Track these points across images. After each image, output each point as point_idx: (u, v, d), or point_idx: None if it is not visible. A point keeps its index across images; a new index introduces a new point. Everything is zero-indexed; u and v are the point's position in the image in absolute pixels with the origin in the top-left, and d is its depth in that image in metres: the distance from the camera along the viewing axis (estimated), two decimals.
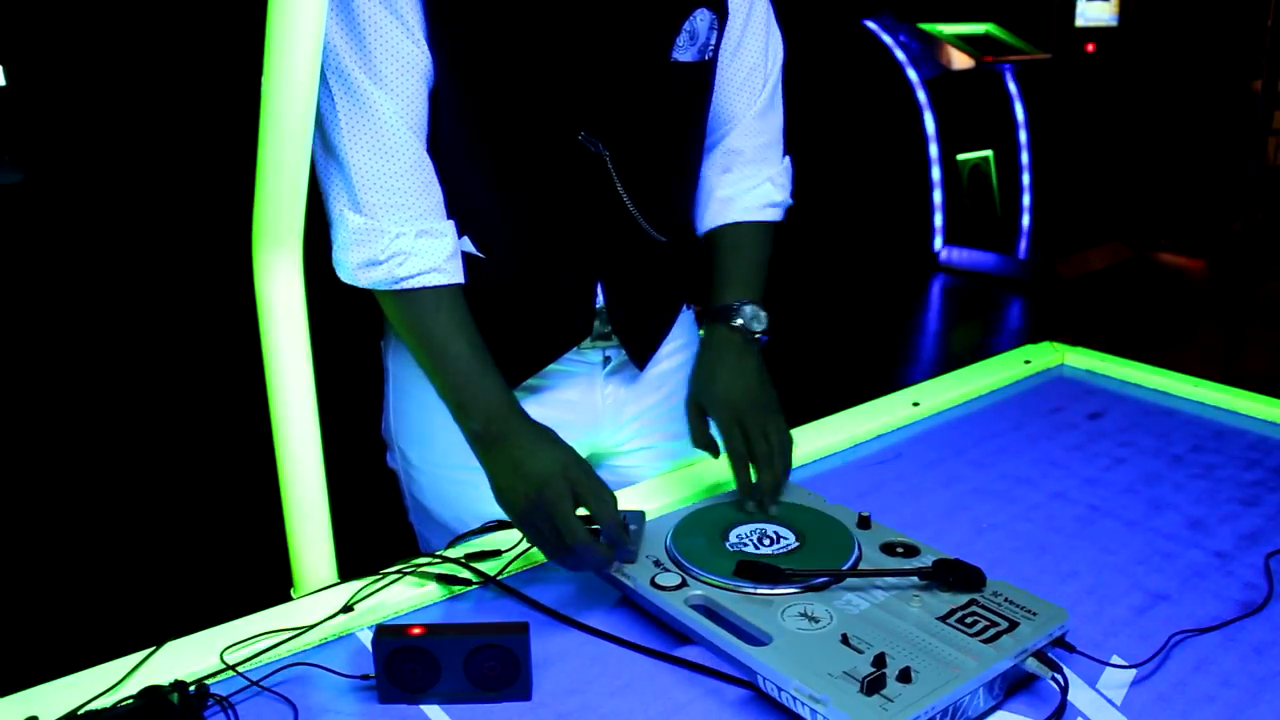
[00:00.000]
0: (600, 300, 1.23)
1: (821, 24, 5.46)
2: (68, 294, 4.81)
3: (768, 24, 1.26)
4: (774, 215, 1.31)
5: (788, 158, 1.33)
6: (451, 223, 1.12)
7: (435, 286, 1.08)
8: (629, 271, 1.24)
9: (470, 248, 1.17)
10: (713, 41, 1.18)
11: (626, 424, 1.35)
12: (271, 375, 1.12)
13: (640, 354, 1.30)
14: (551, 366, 1.26)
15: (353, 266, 1.08)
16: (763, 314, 1.22)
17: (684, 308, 1.40)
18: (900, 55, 5.99)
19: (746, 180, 1.29)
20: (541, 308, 1.21)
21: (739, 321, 1.21)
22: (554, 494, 1.00)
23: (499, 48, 1.06)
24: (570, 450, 1.04)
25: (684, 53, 1.15)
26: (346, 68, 1.04)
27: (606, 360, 1.30)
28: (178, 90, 4.85)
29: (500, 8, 1.05)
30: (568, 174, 1.14)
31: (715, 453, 1.20)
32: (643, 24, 1.11)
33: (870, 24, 6.07)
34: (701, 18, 1.15)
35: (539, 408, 1.28)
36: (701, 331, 1.24)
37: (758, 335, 1.22)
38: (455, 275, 1.10)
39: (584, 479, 1.01)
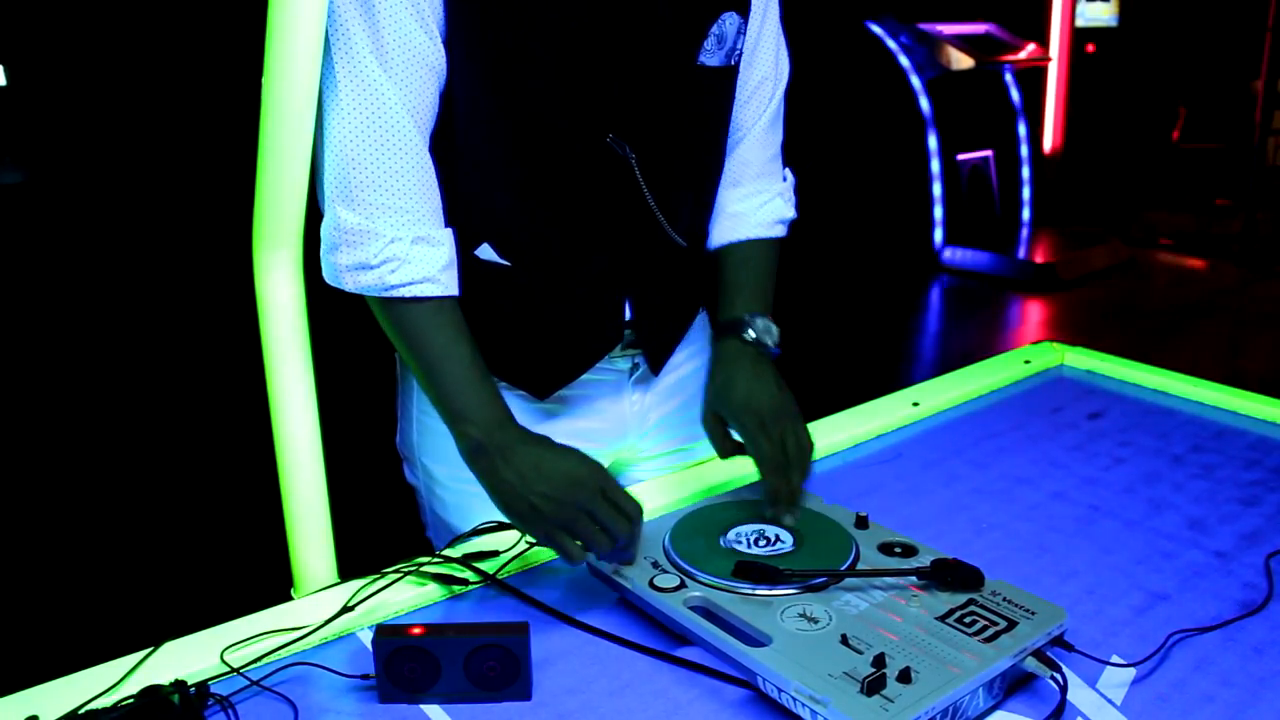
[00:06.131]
0: (628, 305, 1.22)
1: (823, 25, 5.46)
2: (68, 294, 4.81)
3: (778, 35, 1.26)
4: (783, 231, 1.31)
5: (788, 170, 1.33)
6: (450, 231, 1.08)
7: (428, 298, 1.05)
8: (653, 276, 1.23)
9: (493, 255, 1.15)
10: (739, 46, 1.17)
11: (649, 430, 1.35)
12: (271, 375, 1.11)
13: (657, 359, 1.29)
14: (584, 376, 1.25)
15: (341, 268, 1.04)
16: (774, 328, 1.21)
17: (699, 312, 1.39)
18: (901, 57, 6.00)
19: (757, 196, 1.28)
20: (571, 315, 1.20)
21: (751, 334, 1.20)
22: (588, 490, 0.99)
23: (525, 47, 1.04)
24: (582, 452, 1.04)
25: (711, 57, 1.14)
26: (356, 48, 0.99)
27: (635, 368, 1.30)
28: (178, 90, 4.85)
29: (527, 7, 1.02)
30: (594, 177, 1.12)
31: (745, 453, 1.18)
32: (670, 27, 1.10)
33: (872, 26, 6.07)
34: (730, 21, 1.14)
35: (571, 419, 1.28)
36: (711, 346, 1.22)
37: (770, 347, 1.20)
38: (450, 287, 1.07)
39: (608, 475, 1.02)
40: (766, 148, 1.29)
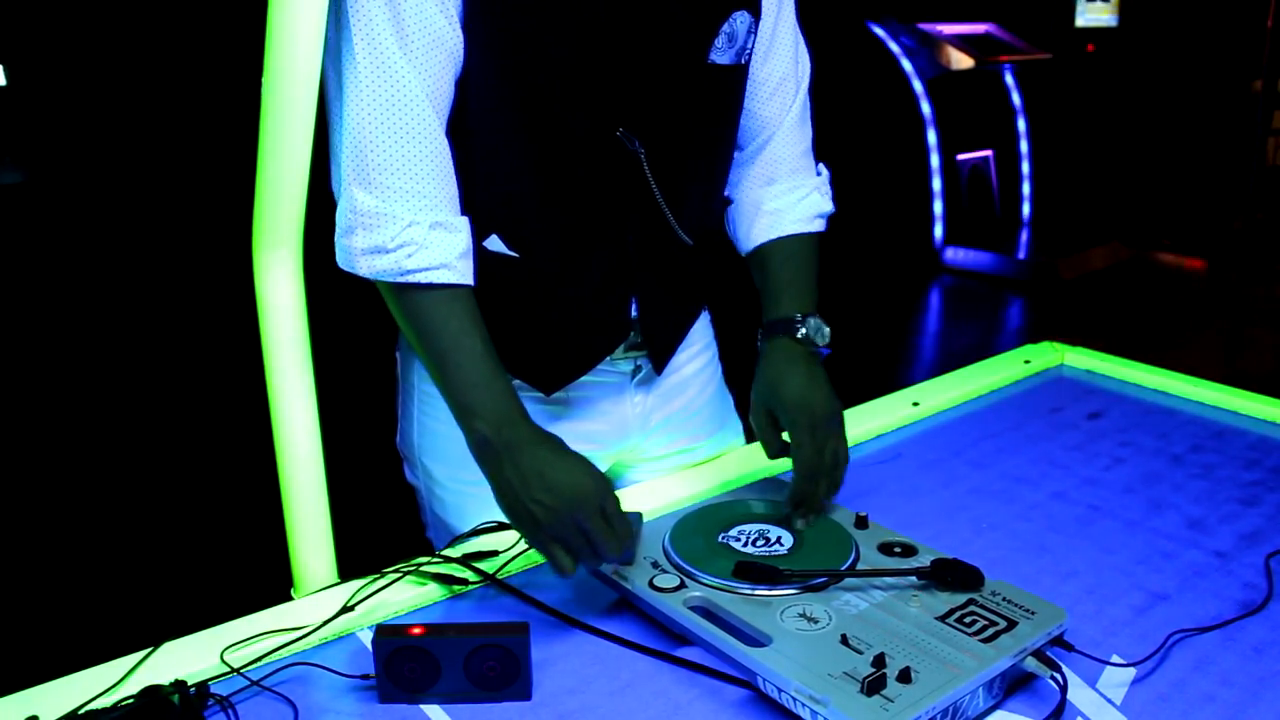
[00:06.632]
0: (634, 304, 1.22)
1: (823, 25, 5.46)
2: (68, 294, 4.81)
3: (795, 31, 1.25)
4: (822, 225, 1.29)
5: (822, 164, 1.32)
6: (466, 219, 1.08)
7: (444, 284, 1.04)
8: (658, 274, 1.22)
9: (501, 247, 1.14)
10: (750, 45, 1.17)
11: (652, 432, 1.35)
12: (271, 375, 1.12)
13: (660, 358, 1.29)
14: (586, 377, 1.25)
15: (356, 252, 1.03)
16: (826, 328, 1.19)
17: (702, 311, 1.39)
18: (901, 57, 6.00)
19: (794, 191, 1.27)
20: (578, 309, 1.19)
21: (803, 333, 1.17)
22: (589, 507, 0.98)
23: (539, 39, 1.04)
24: (590, 462, 1.03)
25: (722, 55, 1.14)
26: (377, 29, 0.99)
27: (637, 370, 1.30)
28: (178, 90, 4.85)
29: (541, 0, 1.03)
30: (603, 170, 1.12)
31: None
32: (681, 24, 1.10)
33: (872, 26, 6.08)
34: (741, 20, 1.14)
35: (573, 421, 1.27)
36: (761, 344, 1.20)
37: (821, 347, 1.18)
38: (465, 275, 1.06)
39: (611, 492, 1.01)
40: (798, 143, 1.28)
